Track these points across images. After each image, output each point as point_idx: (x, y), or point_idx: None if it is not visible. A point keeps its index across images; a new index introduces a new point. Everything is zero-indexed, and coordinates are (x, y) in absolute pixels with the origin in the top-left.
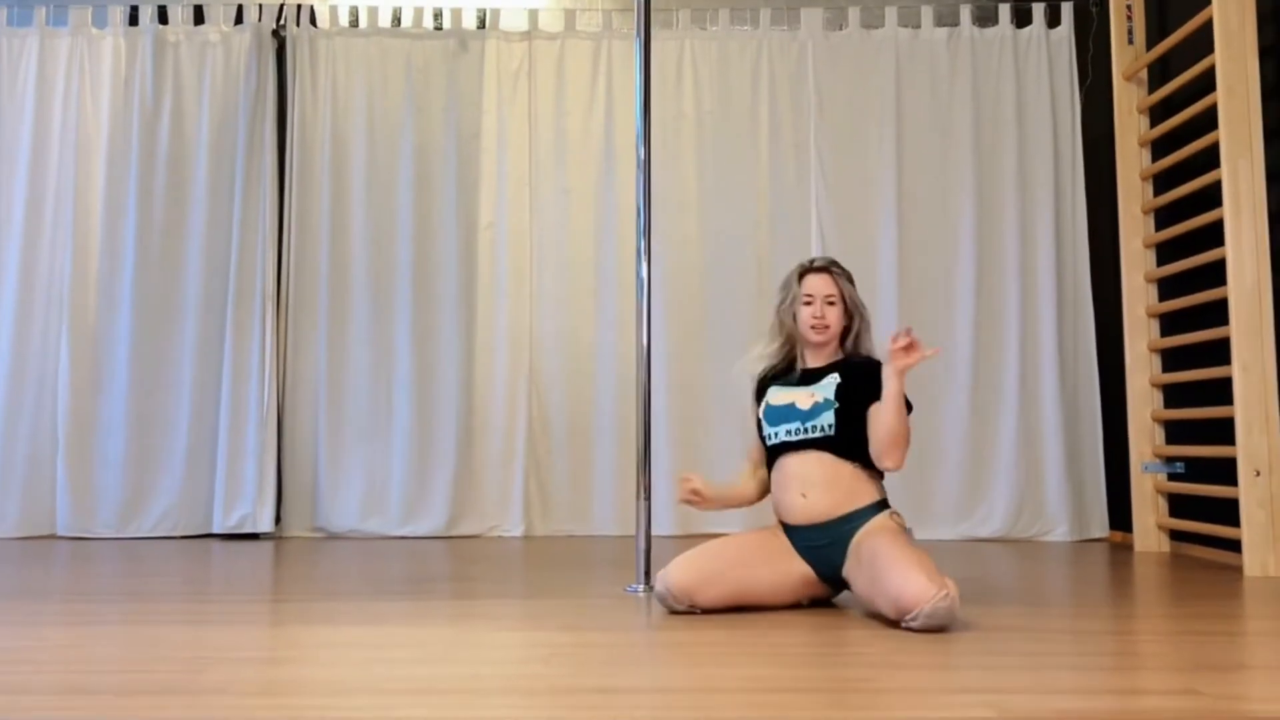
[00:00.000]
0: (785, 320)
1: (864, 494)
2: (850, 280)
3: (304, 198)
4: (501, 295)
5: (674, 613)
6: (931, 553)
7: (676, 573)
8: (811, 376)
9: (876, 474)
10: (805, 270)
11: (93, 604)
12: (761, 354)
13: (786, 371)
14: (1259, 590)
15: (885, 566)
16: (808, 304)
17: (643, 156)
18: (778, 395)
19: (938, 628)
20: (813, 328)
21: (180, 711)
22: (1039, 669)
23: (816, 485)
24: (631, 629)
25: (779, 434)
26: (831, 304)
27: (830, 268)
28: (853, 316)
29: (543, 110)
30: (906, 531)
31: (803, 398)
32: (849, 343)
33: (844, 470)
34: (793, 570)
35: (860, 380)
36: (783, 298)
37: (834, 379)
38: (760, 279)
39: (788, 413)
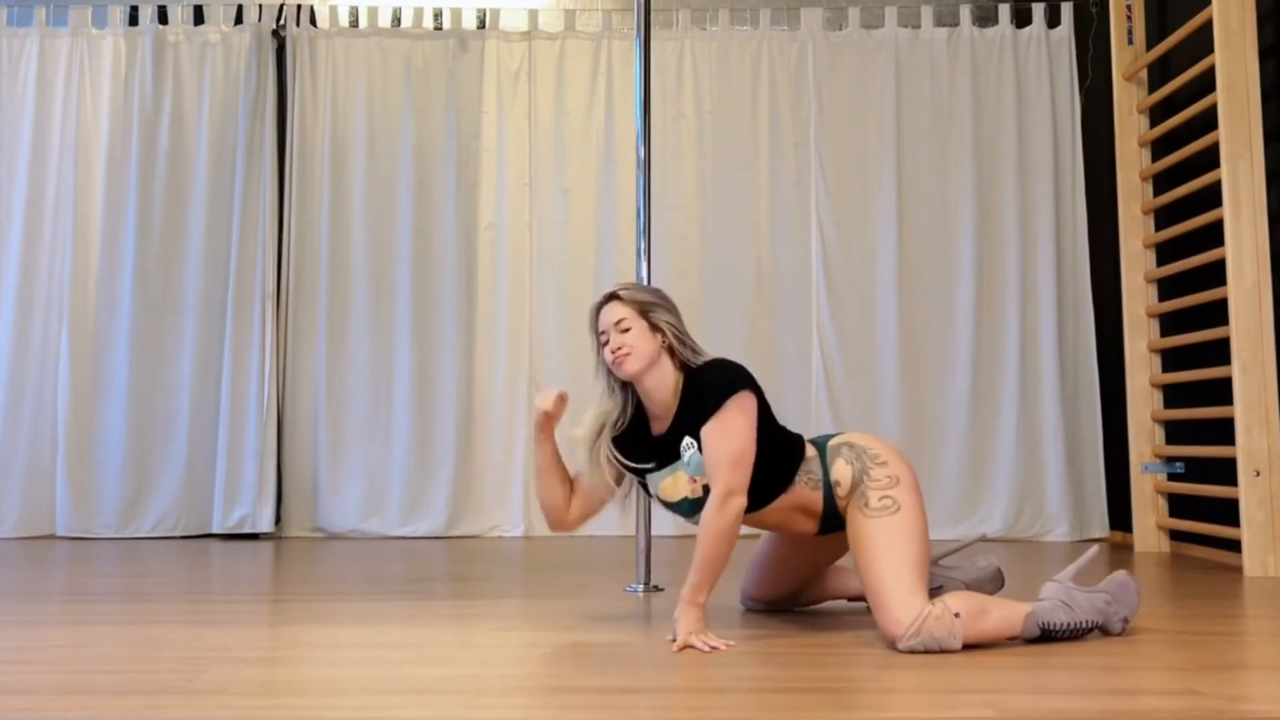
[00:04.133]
0: (602, 371)
1: (807, 498)
2: (646, 297)
3: (304, 198)
4: (501, 295)
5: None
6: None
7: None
8: (669, 445)
9: (783, 469)
10: (596, 307)
11: (93, 604)
12: (597, 416)
13: (635, 431)
14: (1259, 590)
15: (863, 566)
16: (604, 343)
17: (643, 156)
18: (662, 485)
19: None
20: (615, 364)
21: (179, 711)
22: (1039, 669)
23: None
24: (631, 629)
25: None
26: (626, 330)
27: (617, 294)
28: (659, 330)
29: (543, 110)
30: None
31: (689, 486)
32: (679, 363)
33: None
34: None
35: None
36: (596, 351)
37: (692, 450)
38: (760, 279)
39: (691, 506)
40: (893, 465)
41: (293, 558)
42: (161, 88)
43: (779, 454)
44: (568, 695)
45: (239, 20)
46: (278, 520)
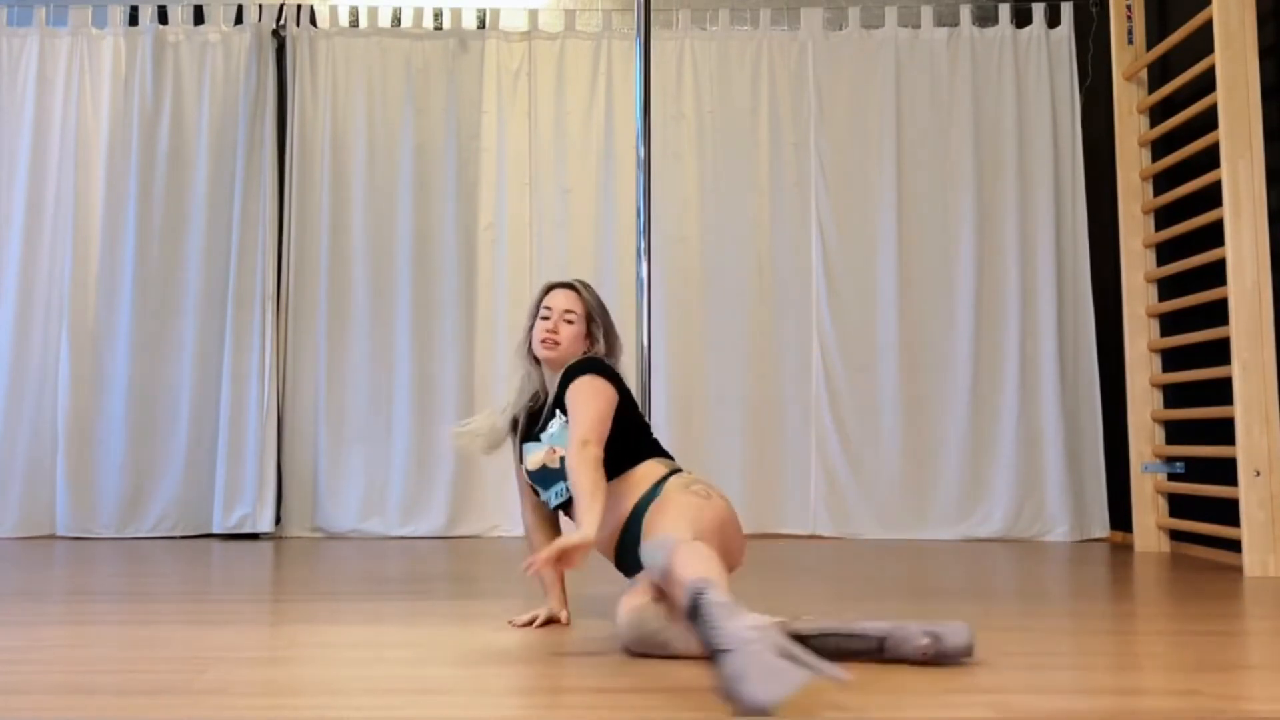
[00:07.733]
0: (525, 345)
1: (638, 488)
2: (598, 306)
3: (304, 198)
4: (501, 295)
5: None
6: (931, 553)
7: None
8: (547, 417)
9: (644, 457)
10: (549, 287)
11: (93, 604)
12: (506, 406)
13: (535, 416)
14: (1259, 590)
15: (652, 522)
16: (544, 319)
17: (643, 156)
18: (530, 456)
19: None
20: (542, 342)
21: (180, 711)
22: (1039, 669)
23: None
24: None
25: (553, 498)
26: (570, 322)
27: (576, 287)
28: (593, 340)
29: (543, 110)
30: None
31: (547, 455)
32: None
33: (612, 490)
34: None
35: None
36: (529, 321)
37: (560, 421)
38: (760, 279)
39: (545, 476)
40: (716, 496)
41: (293, 558)
42: (161, 88)
43: (632, 433)
44: (568, 695)
45: (239, 20)
46: (278, 520)
